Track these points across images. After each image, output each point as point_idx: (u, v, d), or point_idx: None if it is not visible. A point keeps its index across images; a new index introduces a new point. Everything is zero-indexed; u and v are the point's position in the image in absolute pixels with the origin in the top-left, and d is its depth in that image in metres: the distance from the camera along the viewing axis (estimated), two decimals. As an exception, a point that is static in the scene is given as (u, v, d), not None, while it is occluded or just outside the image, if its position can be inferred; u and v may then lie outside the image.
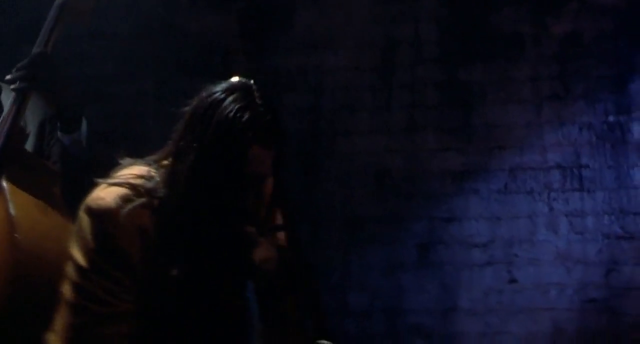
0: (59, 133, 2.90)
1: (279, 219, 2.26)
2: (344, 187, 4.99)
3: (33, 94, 2.86)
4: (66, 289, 2.08)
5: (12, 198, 2.65)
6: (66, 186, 2.85)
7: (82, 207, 2.12)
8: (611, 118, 4.85)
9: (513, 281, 4.79)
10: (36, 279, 2.62)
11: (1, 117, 2.85)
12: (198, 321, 2.15)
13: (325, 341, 2.53)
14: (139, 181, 2.13)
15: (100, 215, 2.07)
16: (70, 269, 2.09)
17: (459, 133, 4.95)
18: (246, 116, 2.05)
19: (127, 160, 2.21)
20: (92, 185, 2.17)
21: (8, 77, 2.87)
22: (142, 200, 2.10)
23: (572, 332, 4.69)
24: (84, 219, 2.10)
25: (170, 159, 2.13)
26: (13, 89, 2.84)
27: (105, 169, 2.74)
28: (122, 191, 2.11)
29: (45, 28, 2.94)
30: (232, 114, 2.04)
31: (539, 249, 4.79)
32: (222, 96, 2.09)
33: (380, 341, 4.82)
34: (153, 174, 2.14)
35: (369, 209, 4.95)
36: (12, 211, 2.62)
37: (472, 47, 4.99)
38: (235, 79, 2.20)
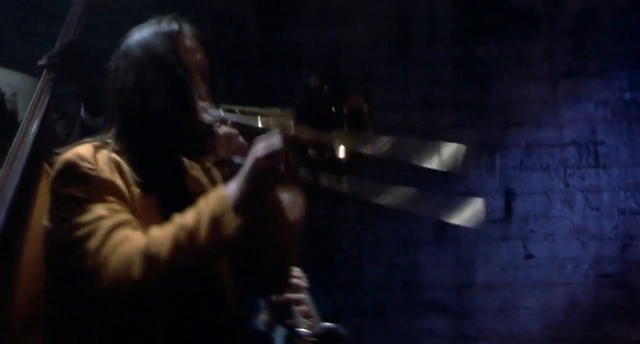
0: (83, 114, 2.96)
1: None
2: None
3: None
4: (67, 231, 2.04)
5: None
6: None
7: (55, 168, 2.12)
8: (627, 95, 4.86)
9: (529, 256, 4.80)
10: None
11: (30, 103, 2.85)
12: None
13: (329, 324, 2.52)
14: (96, 139, 2.18)
15: (78, 160, 2.07)
16: (62, 219, 2.05)
17: (475, 109, 4.94)
18: (166, 22, 2.22)
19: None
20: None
21: (40, 62, 2.88)
22: (108, 143, 2.15)
23: (587, 306, 4.71)
24: (61, 174, 2.09)
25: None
26: (47, 79, 2.88)
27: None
28: (86, 145, 2.14)
29: (72, 14, 2.93)
30: (152, 27, 2.21)
31: (555, 224, 4.81)
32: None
33: (396, 314, 4.82)
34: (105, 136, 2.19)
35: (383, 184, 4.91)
36: None
37: (488, 23, 4.98)
38: None
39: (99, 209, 2.03)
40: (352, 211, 4.90)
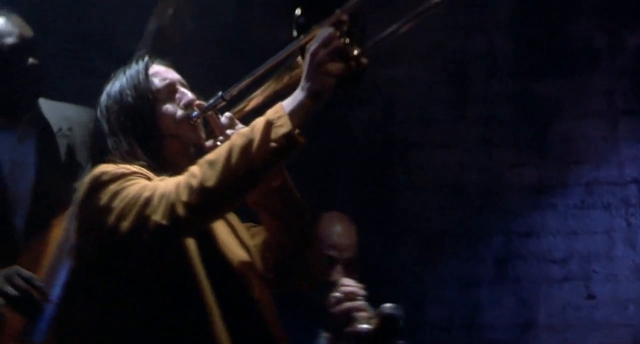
0: None
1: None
2: (418, 201, 4.95)
3: None
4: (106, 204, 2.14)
5: None
6: None
7: (85, 182, 2.24)
8: (688, 133, 4.81)
9: (591, 296, 4.74)
10: None
11: None
12: None
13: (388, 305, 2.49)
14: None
15: (106, 167, 2.23)
16: (97, 210, 2.14)
17: (535, 147, 4.91)
18: (139, 60, 2.51)
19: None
20: None
21: None
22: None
23: (650, 348, 4.65)
24: (91, 182, 2.21)
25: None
26: None
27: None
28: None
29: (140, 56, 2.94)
30: (128, 70, 2.50)
31: (617, 264, 4.74)
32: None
33: (458, 356, 4.79)
34: None
35: (444, 223, 4.91)
36: None
37: (547, 60, 4.95)
38: None
39: (135, 183, 2.16)
40: (413, 250, 4.88)
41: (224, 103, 2.39)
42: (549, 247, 4.79)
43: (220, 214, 2.19)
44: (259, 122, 2.06)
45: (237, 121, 2.39)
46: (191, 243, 2.22)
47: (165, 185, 2.09)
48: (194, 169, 2.09)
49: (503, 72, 5.00)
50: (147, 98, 2.37)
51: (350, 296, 2.75)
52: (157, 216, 2.02)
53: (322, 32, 2.05)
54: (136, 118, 2.34)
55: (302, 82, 2.07)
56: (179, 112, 2.38)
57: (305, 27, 2.17)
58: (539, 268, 4.78)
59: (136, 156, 2.29)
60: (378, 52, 4.96)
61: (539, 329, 4.75)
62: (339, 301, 2.71)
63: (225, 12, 5.20)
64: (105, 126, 2.36)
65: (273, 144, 2.02)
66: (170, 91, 2.44)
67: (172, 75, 2.50)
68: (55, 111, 3.07)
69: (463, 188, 4.94)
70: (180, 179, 2.08)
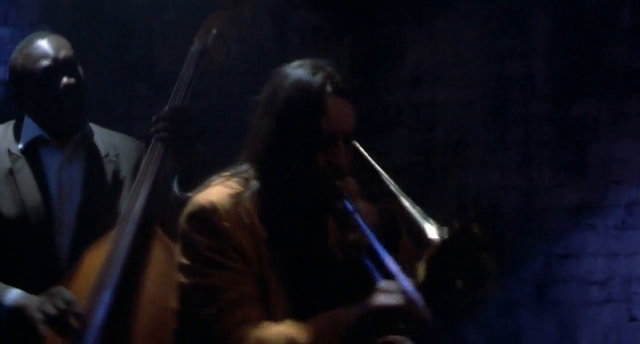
0: (176, 190, 2.91)
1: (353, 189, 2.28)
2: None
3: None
4: (187, 291, 2.09)
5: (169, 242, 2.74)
6: None
7: (189, 209, 2.14)
8: None
9: (633, 319, 4.71)
10: None
11: (143, 163, 2.89)
12: (317, 292, 2.18)
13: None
14: (234, 177, 2.18)
15: (211, 211, 2.10)
16: (186, 271, 2.10)
17: (574, 169, 4.90)
18: (319, 73, 2.16)
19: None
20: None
21: (154, 118, 2.90)
22: (244, 192, 2.14)
23: (694, 371, 4.61)
24: (194, 218, 2.12)
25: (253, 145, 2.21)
26: (156, 139, 2.89)
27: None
28: (224, 188, 2.15)
29: (184, 78, 2.96)
30: (305, 73, 2.16)
31: (659, 286, 4.72)
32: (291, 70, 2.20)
33: (500, 380, 4.77)
34: (242, 170, 2.20)
35: (483, 245, 4.89)
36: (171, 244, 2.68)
37: (585, 82, 4.94)
38: None
39: (222, 277, 2.05)
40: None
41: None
42: (589, 269, 4.77)
43: None
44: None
45: None
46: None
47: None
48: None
49: (541, 95, 5.00)
50: (320, 131, 2.13)
51: None
52: None
53: (393, 299, 1.99)
54: (293, 150, 2.14)
55: (361, 309, 2.03)
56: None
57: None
58: (579, 290, 4.76)
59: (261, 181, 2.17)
60: (418, 75, 5.02)
61: (580, 352, 4.73)
62: None
63: (264, 37, 5.25)
64: (254, 126, 2.21)
65: None
66: (343, 140, 2.19)
67: (351, 121, 2.22)
68: (103, 137, 3.11)
69: (502, 210, 4.93)
70: (245, 336, 2.04)
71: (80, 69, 3.05)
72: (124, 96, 5.21)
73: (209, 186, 2.18)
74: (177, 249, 2.16)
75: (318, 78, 2.16)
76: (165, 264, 2.68)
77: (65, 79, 2.94)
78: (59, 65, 2.97)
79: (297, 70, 2.21)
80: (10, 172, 2.97)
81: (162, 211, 2.84)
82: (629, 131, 4.88)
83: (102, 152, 3.05)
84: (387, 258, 2.05)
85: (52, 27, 4.62)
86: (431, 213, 5.00)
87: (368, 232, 2.12)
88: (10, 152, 3.00)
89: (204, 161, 4.20)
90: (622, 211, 4.81)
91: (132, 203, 2.85)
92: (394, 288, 1.98)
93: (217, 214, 2.09)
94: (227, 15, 3.05)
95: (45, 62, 2.97)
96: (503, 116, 5.02)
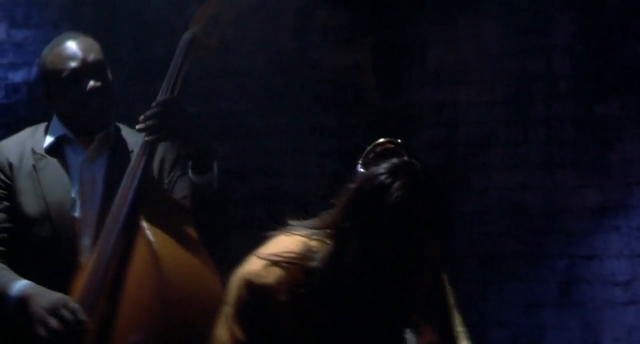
0: (190, 174, 2.93)
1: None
2: (480, 223, 4.94)
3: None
4: None
5: (153, 236, 2.75)
6: (200, 226, 2.87)
7: (239, 279, 2.09)
8: None
9: (656, 320, 4.69)
10: (183, 316, 2.65)
11: (133, 159, 2.89)
12: None
13: None
14: (299, 261, 2.08)
15: (262, 292, 2.04)
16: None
17: (597, 169, 4.87)
18: (416, 203, 2.01)
19: (289, 224, 2.17)
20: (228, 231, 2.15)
21: (138, 127, 2.90)
22: (302, 282, 2.07)
23: None
24: (242, 291, 2.07)
25: (331, 239, 2.08)
26: (146, 141, 2.88)
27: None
28: (284, 273, 2.07)
29: (173, 69, 2.96)
30: (400, 200, 2.00)
31: (682, 286, 4.69)
32: (388, 180, 2.03)
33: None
34: (314, 249, 2.10)
35: (506, 245, 4.89)
36: (155, 248, 2.72)
37: (608, 80, 4.92)
38: (398, 160, 2.15)
39: None
40: (476, 272, 4.87)
41: None
42: (612, 270, 4.75)
43: None
44: None
45: None
46: None
47: None
48: None
49: (564, 94, 4.97)
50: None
51: None
52: None
53: None
54: None
55: None
56: None
57: None
58: (602, 291, 4.74)
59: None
60: (440, 75, 5.01)
61: (604, 353, 4.72)
62: None
63: (286, 36, 5.25)
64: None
65: None
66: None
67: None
68: (129, 136, 3.11)
69: (525, 210, 4.92)
70: None
71: (108, 72, 3.07)
72: (145, 94, 5.21)
73: (278, 258, 2.09)
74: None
75: (413, 210, 2.03)
76: (147, 262, 2.70)
77: (92, 82, 2.96)
78: (87, 68, 2.99)
79: (392, 188, 2.04)
80: (34, 169, 2.98)
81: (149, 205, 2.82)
82: (652, 131, 4.86)
83: (129, 149, 3.06)
84: None
85: (73, 26, 4.64)
86: (454, 214, 5.01)
87: None
88: (34, 152, 3.02)
89: (226, 160, 4.22)
90: (645, 211, 4.79)
91: (121, 201, 2.84)
92: None
93: (266, 299, 2.05)
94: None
95: (73, 64, 2.99)
96: (526, 115, 5.00)
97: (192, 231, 2.84)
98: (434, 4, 5.08)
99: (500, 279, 4.82)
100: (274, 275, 2.05)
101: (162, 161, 3.03)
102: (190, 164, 2.93)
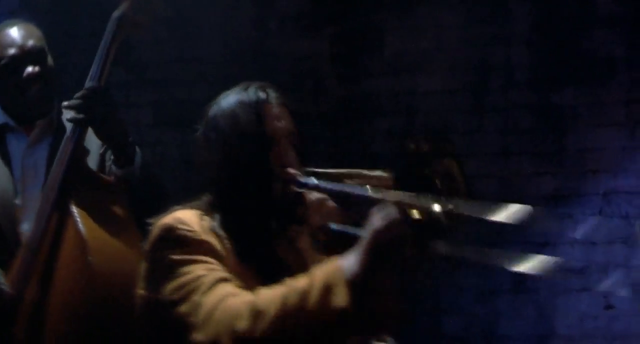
0: (112, 165, 2.95)
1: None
2: (436, 211, 4.96)
3: None
4: (168, 293, 2.07)
5: (82, 222, 2.75)
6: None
7: (153, 234, 2.14)
8: None
9: (609, 307, 4.73)
10: (110, 300, 2.67)
11: (62, 144, 2.89)
12: None
13: None
14: (195, 206, 2.20)
15: (177, 225, 2.11)
16: (160, 280, 2.09)
17: (552, 157, 4.91)
18: (252, 91, 2.23)
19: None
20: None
21: (65, 104, 2.91)
22: (204, 214, 2.17)
23: (670, 359, 4.63)
24: (160, 240, 2.13)
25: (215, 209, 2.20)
26: (70, 120, 2.89)
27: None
28: (187, 210, 2.17)
29: (102, 49, 2.94)
30: (238, 96, 2.23)
31: (635, 274, 4.72)
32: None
33: (476, 366, 4.79)
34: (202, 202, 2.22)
35: (461, 233, 4.91)
36: (83, 234, 2.73)
37: (564, 70, 4.96)
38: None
39: (198, 270, 2.05)
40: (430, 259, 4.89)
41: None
42: (566, 258, 4.78)
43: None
44: (316, 284, 1.93)
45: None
46: None
47: (235, 301, 2.00)
48: (264, 297, 1.97)
49: (521, 83, 5.01)
50: (258, 149, 2.18)
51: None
52: (213, 333, 1.97)
53: (388, 211, 1.94)
54: (245, 171, 2.18)
55: (362, 248, 1.94)
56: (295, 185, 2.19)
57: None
58: (556, 278, 4.77)
59: (223, 210, 2.19)
60: (398, 64, 5.03)
61: (557, 340, 4.75)
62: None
63: (245, 25, 5.26)
64: (210, 166, 2.22)
65: (326, 316, 1.91)
66: (285, 140, 2.23)
67: (286, 124, 2.24)
68: None
69: (481, 198, 4.94)
70: (245, 305, 1.97)
71: (49, 58, 3.06)
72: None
73: (170, 212, 2.19)
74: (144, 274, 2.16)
75: (254, 91, 2.24)
76: (75, 246, 2.71)
77: (30, 68, 2.96)
78: (25, 54, 2.99)
79: (228, 96, 2.27)
80: None
81: (78, 189, 2.83)
82: (609, 120, 4.89)
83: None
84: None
85: (31, 14, 4.62)
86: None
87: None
88: None
89: (184, 148, 4.21)
90: (600, 199, 4.83)
91: (50, 184, 2.84)
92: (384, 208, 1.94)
93: (183, 224, 2.12)
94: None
95: (11, 51, 2.99)
96: (483, 104, 5.03)
97: (121, 210, 2.85)
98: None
99: (454, 266, 4.84)
100: (187, 214, 2.16)
101: (105, 149, 3.03)
102: (110, 154, 2.95)
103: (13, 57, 2.98)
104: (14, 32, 3.02)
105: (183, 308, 2.01)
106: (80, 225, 2.74)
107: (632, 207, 4.78)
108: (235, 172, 2.18)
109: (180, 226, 2.10)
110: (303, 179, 2.18)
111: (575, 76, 4.93)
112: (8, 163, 3.01)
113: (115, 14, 2.97)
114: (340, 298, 1.90)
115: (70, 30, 5.14)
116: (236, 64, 5.19)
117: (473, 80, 5.07)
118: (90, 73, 2.92)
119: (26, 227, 2.90)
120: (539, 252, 4.74)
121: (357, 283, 1.91)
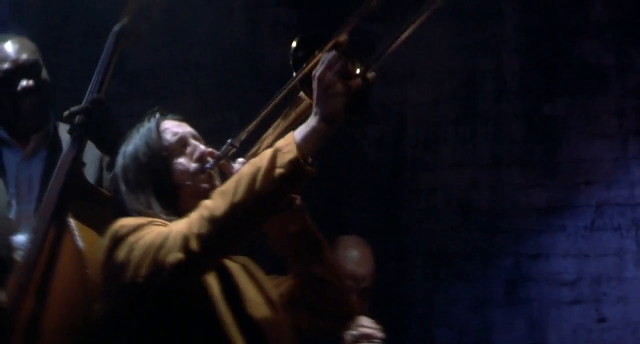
0: (107, 173, 2.94)
1: None
2: (427, 222, 4.95)
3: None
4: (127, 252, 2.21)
5: (80, 234, 2.76)
6: None
7: (108, 236, 2.30)
8: (700, 152, 4.79)
9: (602, 319, 4.71)
10: None
11: (61, 157, 2.86)
12: None
13: None
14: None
15: (124, 219, 2.32)
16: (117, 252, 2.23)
17: (544, 168, 4.89)
18: (151, 118, 2.46)
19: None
20: None
21: (66, 114, 2.87)
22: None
23: (662, 372, 4.62)
24: (115, 233, 2.29)
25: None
26: (69, 132, 2.87)
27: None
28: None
29: (101, 65, 2.94)
30: (141, 128, 2.46)
31: (628, 286, 4.70)
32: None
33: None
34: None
35: (453, 244, 4.90)
36: (80, 246, 2.73)
37: (556, 80, 4.94)
38: None
39: (152, 227, 2.24)
40: (423, 270, 4.87)
41: (234, 149, 2.43)
42: (558, 270, 4.77)
43: (233, 245, 2.20)
44: (267, 151, 2.09)
45: None
46: (219, 301, 2.28)
47: (179, 224, 2.16)
48: (207, 201, 2.14)
49: (512, 92, 4.99)
50: (160, 155, 2.41)
51: (367, 337, 2.71)
52: (172, 255, 2.11)
53: (325, 56, 2.14)
54: (152, 175, 2.40)
55: (314, 109, 2.10)
56: (193, 165, 2.40)
57: (302, 60, 2.27)
58: (549, 290, 4.76)
59: (154, 210, 2.36)
60: (388, 73, 5.00)
61: (549, 351, 4.74)
62: (356, 340, 2.67)
63: (236, 32, 5.22)
64: (123, 186, 2.43)
65: (279, 171, 2.05)
66: (182, 145, 2.44)
67: (183, 129, 2.49)
68: (67, 134, 3.07)
69: (472, 209, 4.93)
70: (194, 213, 2.14)
71: (44, 72, 3.06)
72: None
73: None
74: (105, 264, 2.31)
75: (148, 121, 2.48)
76: (73, 259, 2.71)
77: (24, 82, 2.96)
78: (19, 68, 2.99)
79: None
80: None
81: (76, 201, 2.82)
82: (601, 131, 4.87)
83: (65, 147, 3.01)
84: None
85: (22, 25, 4.58)
86: (400, 212, 5.02)
87: None
88: None
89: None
90: (592, 211, 4.81)
91: (49, 198, 2.80)
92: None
93: (133, 219, 2.31)
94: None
95: (5, 65, 3.00)
96: (474, 113, 5.01)
97: None
98: (382, 1, 5.05)
99: (447, 277, 4.83)
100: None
101: (101, 159, 3.00)
102: (107, 161, 2.95)
103: (7, 71, 2.98)
104: (8, 46, 3.03)
105: (136, 252, 2.17)
106: (78, 239, 2.74)
107: (625, 219, 4.76)
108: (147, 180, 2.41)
109: (127, 220, 2.30)
110: (207, 164, 2.41)
111: (567, 86, 4.92)
112: (2, 176, 3.00)
113: (116, 28, 2.96)
114: (290, 152, 2.06)
115: (62, 40, 5.10)
116: (228, 72, 5.15)
117: (464, 89, 5.05)
118: (90, 85, 2.92)
119: (19, 240, 2.86)
120: (531, 264, 4.77)
121: (309, 138, 2.08)
